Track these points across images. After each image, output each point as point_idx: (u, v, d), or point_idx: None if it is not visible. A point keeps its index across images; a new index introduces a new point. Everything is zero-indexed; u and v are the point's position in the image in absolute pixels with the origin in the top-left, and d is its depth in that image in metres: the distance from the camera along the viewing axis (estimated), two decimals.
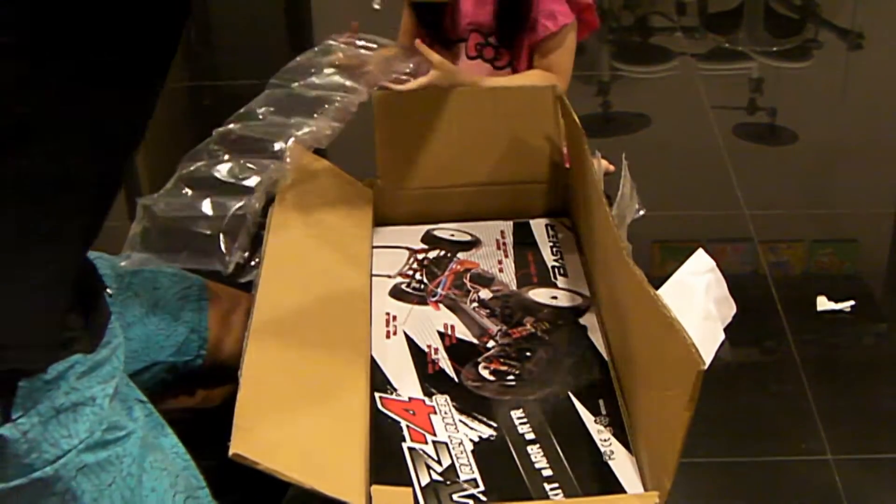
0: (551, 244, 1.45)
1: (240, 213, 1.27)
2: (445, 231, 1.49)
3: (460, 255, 1.43)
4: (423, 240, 1.47)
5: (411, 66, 1.48)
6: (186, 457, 1.02)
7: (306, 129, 1.37)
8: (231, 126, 1.38)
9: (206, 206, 1.27)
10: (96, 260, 1.24)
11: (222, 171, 1.32)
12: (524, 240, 1.46)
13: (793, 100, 2.47)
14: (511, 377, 1.19)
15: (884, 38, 2.75)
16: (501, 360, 1.22)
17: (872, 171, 2.14)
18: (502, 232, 1.48)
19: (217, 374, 1.35)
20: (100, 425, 0.90)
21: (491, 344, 1.25)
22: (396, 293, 1.35)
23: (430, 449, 1.09)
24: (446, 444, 1.09)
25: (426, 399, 1.16)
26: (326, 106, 1.39)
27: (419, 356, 1.23)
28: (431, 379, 1.19)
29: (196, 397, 1.37)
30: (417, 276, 1.38)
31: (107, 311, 0.95)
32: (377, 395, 1.16)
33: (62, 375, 0.87)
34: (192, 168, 1.33)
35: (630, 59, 2.64)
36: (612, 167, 1.85)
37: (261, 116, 1.40)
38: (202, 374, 1.35)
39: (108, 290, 1.16)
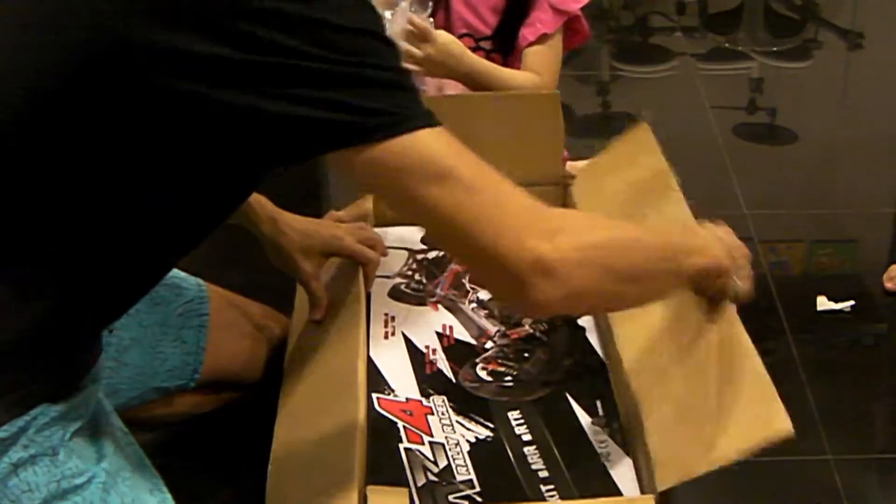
0: None
1: None
2: None
3: None
4: (423, 240, 1.46)
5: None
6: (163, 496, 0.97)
7: None
8: None
9: None
10: None
11: None
12: None
13: (793, 100, 2.47)
14: (509, 378, 1.19)
15: (884, 38, 2.75)
16: (499, 360, 1.22)
17: (872, 171, 2.13)
18: None
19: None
20: (58, 476, 0.86)
21: (489, 345, 1.25)
22: (395, 294, 1.34)
23: (426, 450, 1.08)
24: (443, 444, 1.09)
25: (423, 400, 1.16)
26: None
27: (417, 357, 1.23)
28: (429, 379, 1.19)
29: (185, 405, 1.32)
30: (416, 276, 1.38)
31: (95, 353, 0.92)
32: (374, 395, 1.16)
33: (22, 430, 0.84)
34: None
35: (630, 59, 2.64)
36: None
37: None
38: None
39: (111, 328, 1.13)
